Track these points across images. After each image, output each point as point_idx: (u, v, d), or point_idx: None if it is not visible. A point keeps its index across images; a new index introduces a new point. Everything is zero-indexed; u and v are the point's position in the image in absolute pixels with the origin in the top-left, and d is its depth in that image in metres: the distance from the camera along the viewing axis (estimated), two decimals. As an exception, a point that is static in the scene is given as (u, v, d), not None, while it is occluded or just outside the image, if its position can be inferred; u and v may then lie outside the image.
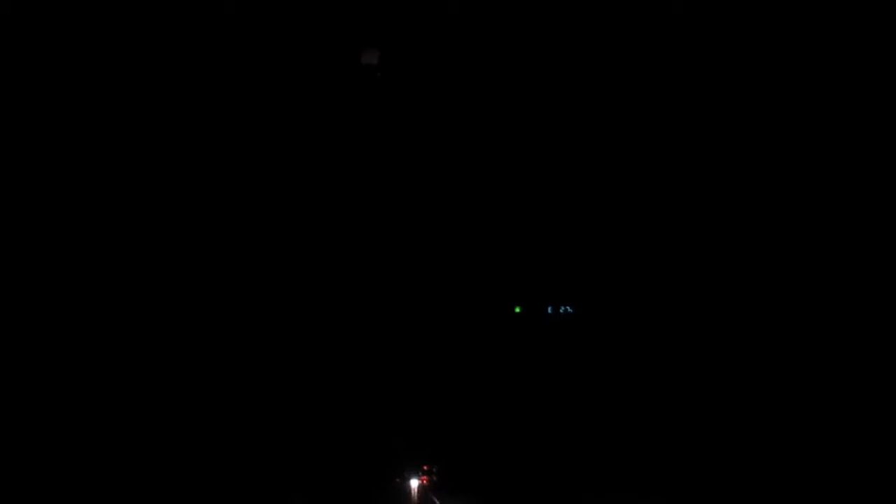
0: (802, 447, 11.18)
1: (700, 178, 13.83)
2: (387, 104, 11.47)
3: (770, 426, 12.28)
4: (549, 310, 19.63)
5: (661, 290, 16.93)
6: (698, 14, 9.89)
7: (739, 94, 11.53)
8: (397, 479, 65.53)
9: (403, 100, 11.85)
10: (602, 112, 13.38)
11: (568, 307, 19.56)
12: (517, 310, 19.86)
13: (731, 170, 12.92)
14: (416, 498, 34.51)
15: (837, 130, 10.60)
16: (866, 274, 10.35)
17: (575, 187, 16.48)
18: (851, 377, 10.58)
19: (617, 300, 18.77)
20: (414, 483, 58.23)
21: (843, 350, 10.89)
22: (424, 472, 76.64)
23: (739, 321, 13.92)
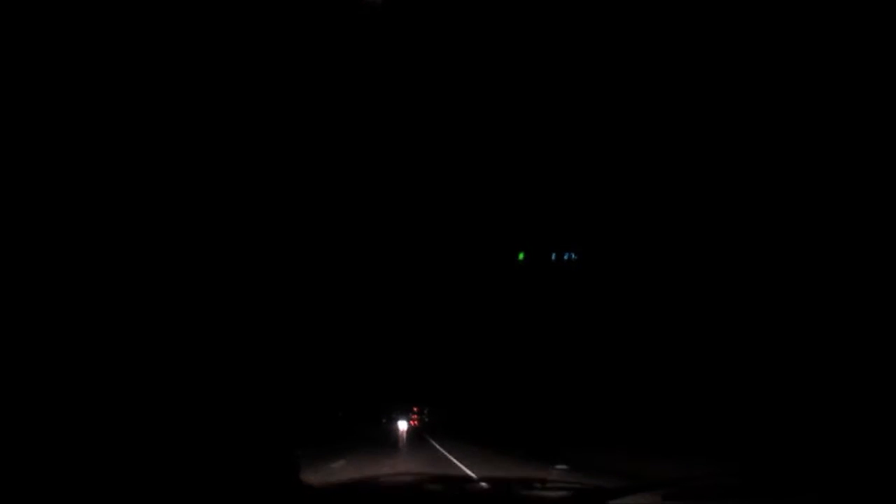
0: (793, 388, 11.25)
1: (700, 125, 13.55)
2: (389, 42, 10.95)
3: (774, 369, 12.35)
4: (553, 256, 19.49)
5: (663, 238, 16.81)
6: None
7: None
8: (383, 420, 65.70)
9: (406, 40, 11.32)
10: (609, 56, 12.97)
11: (572, 254, 19.42)
12: (521, 256, 19.70)
13: (732, 117, 12.64)
14: (404, 440, 34.82)
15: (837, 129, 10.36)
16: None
17: (577, 134, 16.17)
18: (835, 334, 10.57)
19: (620, 247, 18.66)
20: (402, 425, 58.41)
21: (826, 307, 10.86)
22: (415, 413, 77.52)
23: (743, 270, 13.85)
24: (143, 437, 2.22)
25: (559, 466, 11.74)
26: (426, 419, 75.03)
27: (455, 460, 16.21)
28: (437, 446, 24.77)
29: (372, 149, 15.27)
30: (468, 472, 13.11)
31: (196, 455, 2.28)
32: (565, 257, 19.27)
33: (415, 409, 76.60)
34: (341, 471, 13.40)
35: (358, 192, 17.10)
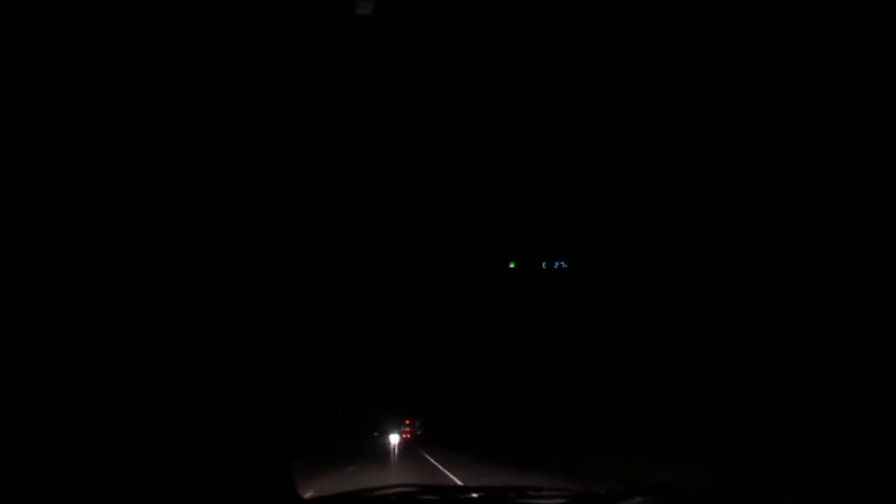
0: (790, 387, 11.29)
1: (687, 133, 13.66)
2: (379, 48, 10.99)
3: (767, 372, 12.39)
4: (543, 265, 19.54)
5: (653, 246, 16.90)
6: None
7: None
8: (374, 434, 65.02)
9: (396, 47, 11.36)
10: (596, 68, 13.06)
11: (562, 262, 19.48)
12: (511, 265, 19.73)
13: (718, 125, 12.74)
14: (396, 454, 34.45)
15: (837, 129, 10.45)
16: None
17: (566, 144, 16.25)
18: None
19: (610, 255, 18.74)
20: (394, 438, 57.74)
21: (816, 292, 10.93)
22: (407, 426, 76.94)
23: (733, 278, 13.93)
24: (133, 449, 2.18)
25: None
26: (418, 431, 74.61)
27: (448, 472, 16.10)
28: (432, 459, 24.59)
29: (367, 159, 15.27)
30: (460, 483, 13.00)
31: (190, 465, 2.25)
32: (555, 265, 19.33)
33: (406, 421, 76.17)
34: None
35: (352, 204, 17.11)
